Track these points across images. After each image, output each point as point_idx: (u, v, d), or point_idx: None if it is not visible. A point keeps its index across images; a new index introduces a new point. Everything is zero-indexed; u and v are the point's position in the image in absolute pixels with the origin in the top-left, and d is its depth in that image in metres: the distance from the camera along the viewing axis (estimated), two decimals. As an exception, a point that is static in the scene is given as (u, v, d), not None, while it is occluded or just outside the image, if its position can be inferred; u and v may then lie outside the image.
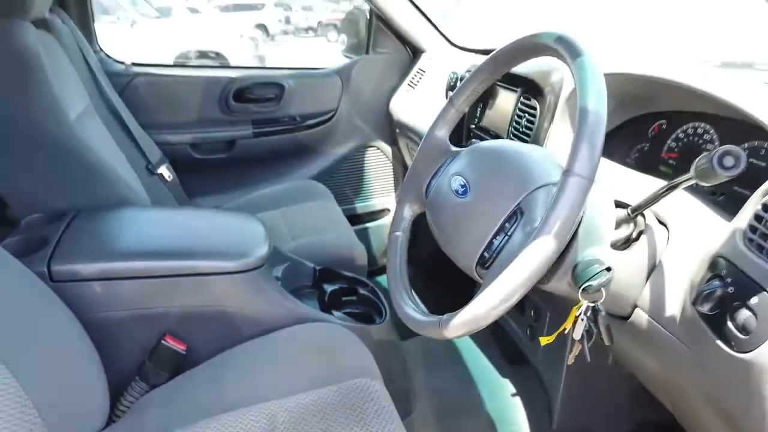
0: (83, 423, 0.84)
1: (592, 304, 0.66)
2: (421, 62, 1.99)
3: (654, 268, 0.73)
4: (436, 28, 1.97)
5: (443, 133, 0.82)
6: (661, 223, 0.74)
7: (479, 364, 1.46)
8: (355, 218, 2.11)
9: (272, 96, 1.95)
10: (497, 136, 1.30)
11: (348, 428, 0.81)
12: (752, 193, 0.61)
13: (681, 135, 0.91)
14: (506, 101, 1.28)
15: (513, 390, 1.37)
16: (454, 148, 0.80)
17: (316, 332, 1.04)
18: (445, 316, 0.64)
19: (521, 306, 1.27)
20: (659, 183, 0.68)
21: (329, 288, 1.25)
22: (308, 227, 1.52)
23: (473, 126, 1.41)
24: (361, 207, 2.18)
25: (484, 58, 0.81)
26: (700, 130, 0.86)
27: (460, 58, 1.78)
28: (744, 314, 0.56)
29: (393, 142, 2.15)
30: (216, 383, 0.93)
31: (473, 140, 1.42)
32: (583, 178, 0.55)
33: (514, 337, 1.37)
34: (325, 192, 1.78)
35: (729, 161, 0.53)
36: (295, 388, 0.88)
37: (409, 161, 2.09)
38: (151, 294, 1.02)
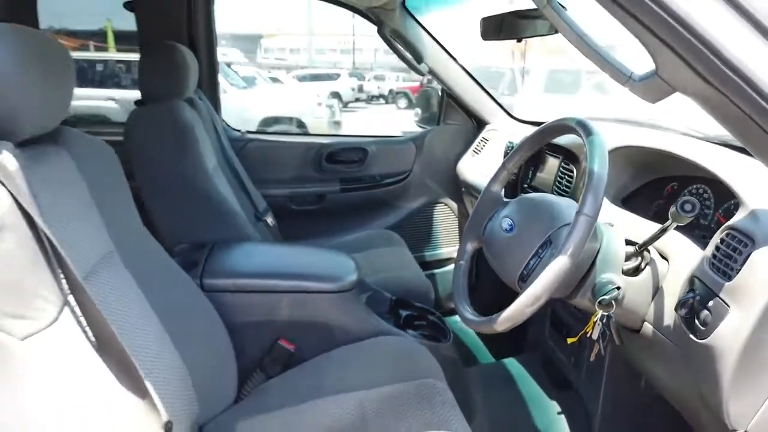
0: (219, 396, 1.12)
1: (606, 314, 0.91)
2: (485, 132, 2.24)
3: (657, 291, 0.96)
4: (498, 103, 2.26)
5: (497, 188, 1.09)
6: (663, 257, 0.98)
7: (530, 388, 1.64)
8: (424, 264, 2.27)
9: (357, 159, 2.29)
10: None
11: (420, 412, 1.03)
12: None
13: (687, 194, 1.14)
14: (551, 165, 1.54)
15: (558, 409, 1.54)
16: (505, 199, 1.07)
17: (394, 343, 1.30)
18: (494, 315, 0.90)
19: (565, 335, 1.48)
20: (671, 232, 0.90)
21: (404, 313, 1.51)
22: (385, 267, 1.78)
23: (526, 185, 1.68)
24: (429, 255, 2.41)
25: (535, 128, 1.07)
26: (701, 190, 1.09)
27: (517, 129, 2.05)
28: (704, 313, 0.79)
29: (459, 200, 2.39)
30: (318, 377, 1.19)
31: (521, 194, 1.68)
32: (589, 216, 0.80)
33: (560, 366, 1.57)
34: (399, 240, 2.05)
35: (688, 207, 0.80)
36: (378, 382, 1.11)
37: (472, 215, 2.34)
38: (271, 305, 1.32)
